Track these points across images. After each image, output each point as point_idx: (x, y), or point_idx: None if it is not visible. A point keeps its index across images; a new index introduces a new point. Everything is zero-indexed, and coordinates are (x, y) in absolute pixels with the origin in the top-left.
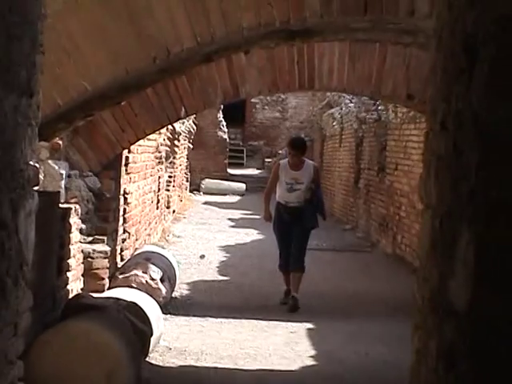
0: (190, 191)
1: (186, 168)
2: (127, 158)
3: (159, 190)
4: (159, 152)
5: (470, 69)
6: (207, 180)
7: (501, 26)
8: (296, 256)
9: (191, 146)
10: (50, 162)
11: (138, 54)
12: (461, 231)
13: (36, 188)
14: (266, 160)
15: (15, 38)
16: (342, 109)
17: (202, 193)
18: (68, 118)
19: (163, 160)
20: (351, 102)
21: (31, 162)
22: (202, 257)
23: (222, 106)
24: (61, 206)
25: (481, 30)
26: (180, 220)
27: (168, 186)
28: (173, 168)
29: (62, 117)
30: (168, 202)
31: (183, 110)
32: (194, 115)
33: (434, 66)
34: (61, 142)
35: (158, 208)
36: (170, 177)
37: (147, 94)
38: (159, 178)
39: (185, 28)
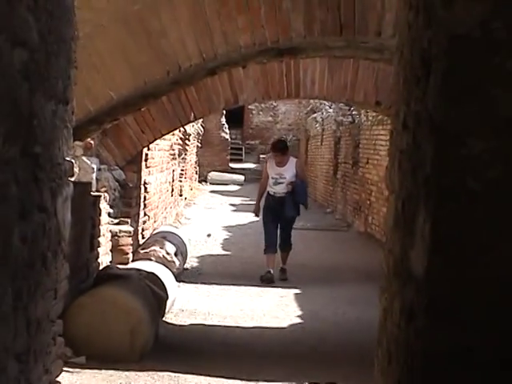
0: (199, 182)
1: (195, 163)
2: (146, 154)
3: (173, 180)
4: (173, 150)
5: (425, 78)
6: (213, 172)
7: (451, 44)
8: (284, 239)
9: (199, 145)
10: (83, 158)
11: (155, 68)
12: (419, 211)
13: (71, 179)
14: (261, 156)
15: (53, 54)
16: (322, 113)
17: (208, 183)
18: (98, 122)
19: (176, 156)
20: (330, 108)
21: (67, 158)
22: (209, 235)
23: (224, 112)
24: (92, 194)
25: (435, 47)
26: (190, 205)
27: (180, 177)
28: (184, 163)
29: (92, 121)
30: (180, 191)
31: (192, 114)
32: (201, 119)
33: (396, 76)
34: (92, 142)
35: (172, 195)
36: (182, 170)
37: (162, 102)
38: (173, 171)
39: (193, 47)
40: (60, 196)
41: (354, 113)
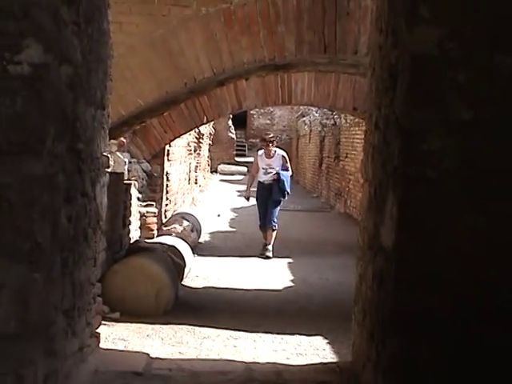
0: (211, 172)
1: (208, 157)
2: (168, 150)
3: (190, 171)
4: (189, 146)
5: (393, 88)
6: (222, 165)
7: (414, 61)
8: (269, 219)
9: (211, 143)
10: (117, 153)
11: (174, 81)
12: (388, 195)
13: (107, 170)
14: (260, 152)
15: (93, 70)
16: (310, 117)
17: (218, 173)
18: (128, 124)
19: (192, 151)
20: (316, 113)
21: (104, 153)
22: (219, 215)
23: (230, 116)
24: (124, 182)
25: (400, 63)
26: (204, 191)
27: (195, 168)
28: (198, 157)
29: (124, 123)
30: (196, 180)
31: (205, 118)
32: (212, 122)
33: (369, 87)
34: (124, 140)
35: (189, 183)
36: (196, 163)
37: (181, 107)
38: (190, 163)
39: (205, 63)
40: (98, 184)
41: (335, 117)
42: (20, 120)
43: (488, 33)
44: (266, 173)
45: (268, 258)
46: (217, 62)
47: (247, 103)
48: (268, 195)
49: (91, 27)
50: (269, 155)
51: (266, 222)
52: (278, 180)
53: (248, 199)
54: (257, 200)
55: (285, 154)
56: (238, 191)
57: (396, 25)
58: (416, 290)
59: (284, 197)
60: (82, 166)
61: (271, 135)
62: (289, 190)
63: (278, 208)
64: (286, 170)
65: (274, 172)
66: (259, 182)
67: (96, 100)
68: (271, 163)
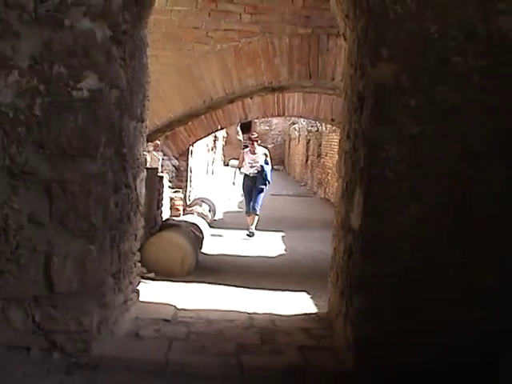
0: (224, 165)
1: (222, 154)
2: (192, 150)
3: (208, 165)
4: (208, 146)
5: (360, 109)
6: (232, 160)
7: (376, 89)
8: (253, 205)
9: (224, 143)
10: (153, 152)
11: (196, 99)
12: (356, 189)
13: (145, 166)
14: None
15: (134, 93)
16: (299, 125)
17: (230, 166)
18: (162, 131)
19: (210, 150)
20: (304, 121)
21: (142, 155)
22: (234, 183)
23: (239, 123)
24: (158, 175)
25: (366, 90)
26: (218, 180)
27: (212, 163)
28: (214, 154)
29: (158, 130)
30: (212, 171)
31: (219, 126)
32: (225, 128)
33: (343, 106)
34: (159, 142)
35: (207, 174)
36: (213, 158)
37: (201, 118)
38: (208, 159)
39: (219, 86)
40: (138, 178)
41: (318, 125)
42: (80, 132)
43: (430, 69)
44: (251, 166)
45: (252, 235)
46: (228, 86)
47: (251, 115)
48: (253, 185)
49: (134, 61)
50: (253, 152)
51: (249, 210)
52: (261, 172)
53: (234, 184)
54: (243, 190)
55: (266, 152)
56: None
57: (363, 61)
58: (375, 260)
59: (266, 186)
60: (125, 165)
61: (256, 135)
62: (270, 180)
63: (262, 195)
64: (267, 164)
65: (259, 165)
66: (245, 174)
67: (137, 115)
68: (255, 158)
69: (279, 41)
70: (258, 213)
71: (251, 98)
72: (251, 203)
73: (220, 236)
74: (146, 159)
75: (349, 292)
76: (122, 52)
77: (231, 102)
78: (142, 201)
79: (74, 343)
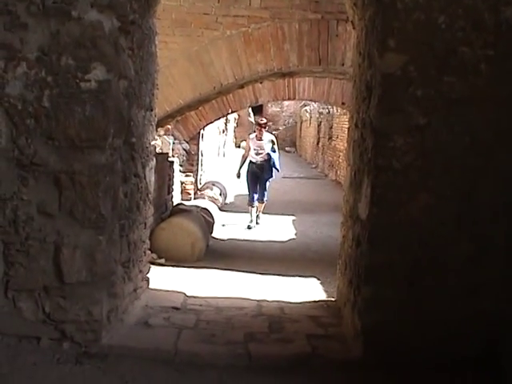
0: (236, 147)
1: (233, 136)
2: (203, 134)
3: (219, 148)
4: (219, 129)
5: (368, 98)
6: (243, 142)
7: (383, 79)
8: (261, 194)
9: (235, 125)
10: (164, 136)
11: (206, 85)
12: (364, 179)
13: (156, 152)
14: (273, 132)
15: (143, 82)
16: (310, 107)
17: (241, 148)
18: (172, 116)
19: (221, 132)
20: (315, 104)
21: (152, 143)
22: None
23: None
24: (169, 160)
25: (374, 80)
26: (229, 162)
27: (224, 145)
28: (226, 136)
29: (169, 116)
30: (224, 154)
31: (230, 110)
32: (236, 112)
33: (352, 95)
34: (170, 127)
35: (218, 156)
36: (224, 141)
37: (212, 102)
38: (219, 142)
39: (229, 72)
40: (147, 167)
41: (329, 107)
42: (89, 123)
43: (437, 60)
44: (257, 153)
45: (257, 223)
46: (238, 71)
47: (262, 99)
48: (259, 173)
49: (142, 51)
50: (260, 138)
51: (254, 200)
52: (268, 160)
53: (239, 177)
54: (247, 178)
55: (273, 138)
56: None
57: (371, 51)
58: (383, 250)
59: (272, 175)
60: (134, 154)
61: (264, 121)
62: (279, 168)
63: (268, 184)
64: (274, 152)
65: (265, 153)
66: (251, 161)
67: (145, 104)
68: (262, 145)
69: (289, 26)
70: (265, 200)
71: (261, 83)
72: (257, 193)
73: (224, 226)
74: (155, 147)
75: (357, 281)
76: (130, 42)
77: (241, 87)
78: (152, 189)
79: (84, 333)
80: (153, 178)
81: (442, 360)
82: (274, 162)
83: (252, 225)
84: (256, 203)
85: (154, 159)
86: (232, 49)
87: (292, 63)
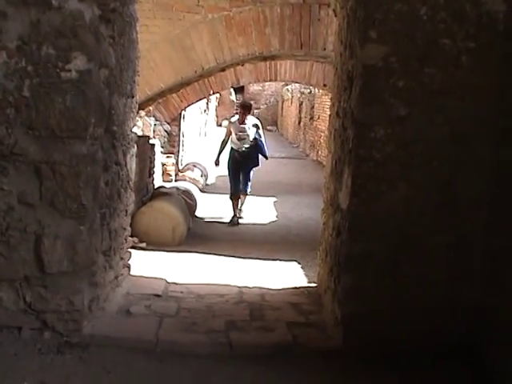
0: (217, 126)
1: (215, 115)
2: (184, 114)
3: (200, 128)
4: (200, 108)
5: (350, 88)
6: (225, 121)
7: (365, 70)
8: (244, 185)
9: (217, 104)
10: (145, 117)
11: (187, 69)
12: (344, 169)
13: (137, 135)
14: (255, 111)
15: (124, 70)
16: (292, 86)
17: (223, 127)
18: (153, 100)
19: (202, 112)
20: (296, 83)
21: (133, 131)
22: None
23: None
24: (150, 142)
25: (355, 70)
26: (210, 141)
27: (205, 125)
28: (207, 115)
29: (150, 99)
30: (205, 133)
31: (211, 91)
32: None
33: (333, 83)
34: (151, 108)
35: (199, 136)
36: (206, 120)
37: (194, 84)
38: (200, 121)
39: (210, 56)
40: (128, 154)
41: (311, 87)
42: (69, 113)
43: (418, 51)
44: (240, 139)
45: (237, 223)
46: (219, 55)
47: (243, 80)
48: (243, 162)
49: (123, 38)
50: (243, 121)
51: (237, 192)
52: (254, 146)
53: (217, 164)
54: (229, 167)
55: (258, 122)
56: None
57: (352, 41)
58: (363, 240)
59: (258, 164)
60: (115, 142)
61: (250, 104)
62: (267, 154)
63: (252, 174)
64: (259, 136)
65: (250, 138)
66: (232, 149)
67: (127, 91)
68: (245, 130)
69: (270, 10)
70: (248, 192)
71: (243, 66)
72: (240, 184)
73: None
74: (135, 136)
75: (337, 270)
76: (111, 30)
77: (222, 70)
78: (133, 176)
79: (65, 322)
80: (134, 165)
81: (420, 349)
82: (261, 148)
83: (235, 220)
84: (238, 194)
85: (135, 146)
86: (213, 33)
87: (273, 47)
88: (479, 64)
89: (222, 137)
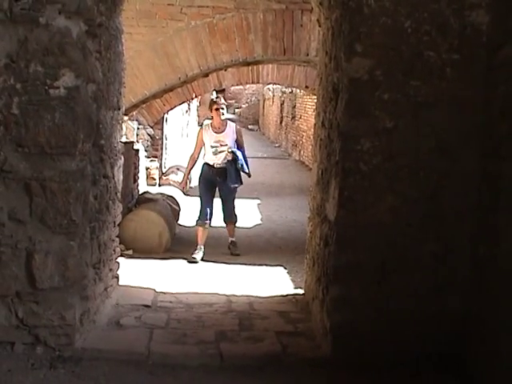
0: (199, 126)
1: (196, 115)
2: (167, 118)
3: (182, 128)
4: (182, 110)
5: (335, 99)
6: (206, 120)
7: (350, 83)
8: (229, 212)
9: (198, 104)
10: (128, 122)
11: (171, 76)
12: (331, 181)
13: (121, 141)
14: (236, 110)
15: (111, 83)
16: (273, 85)
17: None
18: (137, 106)
19: (184, 113)
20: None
21: (119, 142)
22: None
23: None
24: (134, 148)
25: (341, 83)
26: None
27: (187, 125)
28: (189, 116)
29: (134, 106)
30: (187, 134)
31: (194, 94)
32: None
33: (318, 93)
34: (134, 113)
35: (181, 137)
36: (187, 121)
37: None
38: (182, 122)
39: (194, 63)
40: (116, 166)
41: (293, 88)
42: (58, 130)
43: (403, 64)
44: (217, 152)
45: (232, 254)
46: (203, 62)
47: (226, 83)
48: (219, 182)
49: (109, 52)
50: (219, 128)
51: (206, 219)
52: (234, 161)
53: (184, 190)
54: (201, 187)
55: (238, 128)
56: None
57: (337, 54)
58: (351, 251)
59: (241, 182)
60: (103, 156)
61: (221, 99)
62: (249, 171)
63: (235, 195)
64: (240, 147)
65: (230, 151)
66: (207, 164)
67: (113, 104)
68: (223, 139)
69: (253, 17)
70: (236, 218)
71: (225, 70)
72: (211, 208)
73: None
74: (122, 149)
75: (325, 280)
76: (98, 45)
77: (206, 75)
78: (120, 187)
79: (57, 337)
80: (121, 177)
81: (408, 358)
82: (241, 165)
83: (198, 256)
84: (209, 225)
85: (122, 158)
86: (197, 39)
87: (257, 53)
88: (464, 76)
89: (191, 150)
